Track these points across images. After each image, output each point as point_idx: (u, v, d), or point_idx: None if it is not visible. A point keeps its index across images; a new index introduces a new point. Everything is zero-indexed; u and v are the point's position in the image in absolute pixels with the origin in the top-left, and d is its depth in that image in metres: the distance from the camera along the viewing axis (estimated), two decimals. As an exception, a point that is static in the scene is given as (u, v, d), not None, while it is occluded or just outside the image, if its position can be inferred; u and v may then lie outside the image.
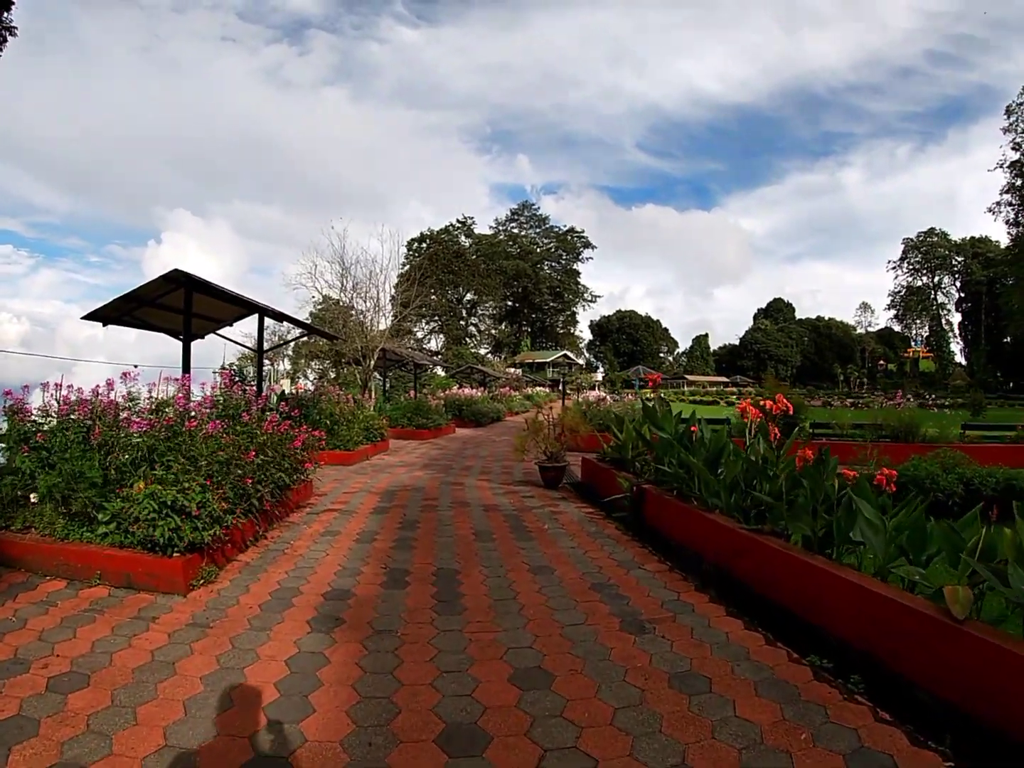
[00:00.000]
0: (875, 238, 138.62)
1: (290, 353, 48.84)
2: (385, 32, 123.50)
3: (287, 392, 13.15)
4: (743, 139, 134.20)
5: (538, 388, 46.39)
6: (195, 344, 8.18)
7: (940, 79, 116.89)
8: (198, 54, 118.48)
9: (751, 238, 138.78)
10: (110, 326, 7.69)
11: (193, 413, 4.86)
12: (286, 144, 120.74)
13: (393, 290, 17.04)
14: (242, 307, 8.32)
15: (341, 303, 16.27)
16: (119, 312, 7.40)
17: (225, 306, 8.20)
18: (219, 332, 10.40)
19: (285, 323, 9.29)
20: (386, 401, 17.09)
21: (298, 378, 27.67)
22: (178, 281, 6.93)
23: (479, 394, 22.90)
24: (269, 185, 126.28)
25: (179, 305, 7.29)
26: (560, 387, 59.63)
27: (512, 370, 45.95)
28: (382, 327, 17.12)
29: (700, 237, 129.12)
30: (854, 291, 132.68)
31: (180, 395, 4.96)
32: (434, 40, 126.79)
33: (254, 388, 6.78)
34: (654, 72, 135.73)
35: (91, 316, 7.17)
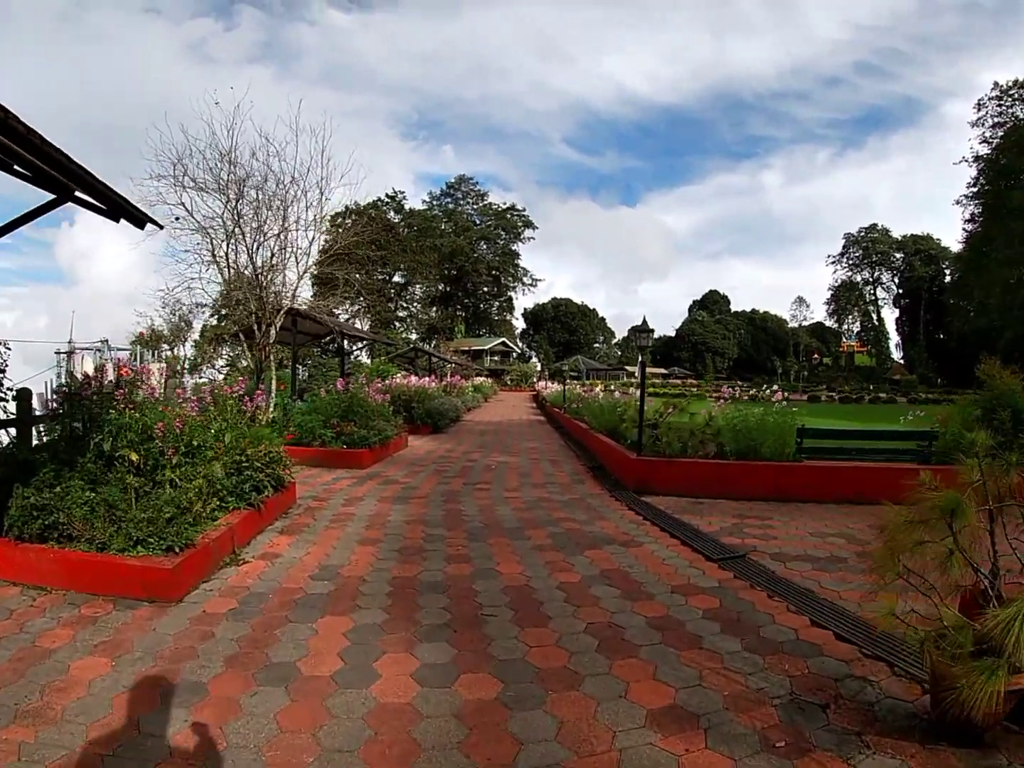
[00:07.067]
0: (792, 238, 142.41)
1: (197, 338, 38.72)
2: (315, 13, 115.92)
3: (85, 375, 6.20)
4: (668, 138, 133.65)
5: (480, 378, 40.01)
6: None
7: (864, 89, 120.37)
8: (118, 24, 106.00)
9: (674, 235, 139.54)
10: None
11: None
12: (201, 119, 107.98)
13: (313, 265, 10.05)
14: None
15: (224, 226, 9.02)
16: None
17: None
18: None
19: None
20: (295, 398, 10.29)
21: (174, 359, 18.84)
22: None
23: (432, 385, 16.33)
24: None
25: None
26: (508, 375, 52.99)
27: (456, 356, 39.39)
28: (292, 279, 10.25)
29: (624, 233, 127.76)
30: (770, 289, 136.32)
31: None
32: (364, 25, 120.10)
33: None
34: (583, 69, 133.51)
35: None
